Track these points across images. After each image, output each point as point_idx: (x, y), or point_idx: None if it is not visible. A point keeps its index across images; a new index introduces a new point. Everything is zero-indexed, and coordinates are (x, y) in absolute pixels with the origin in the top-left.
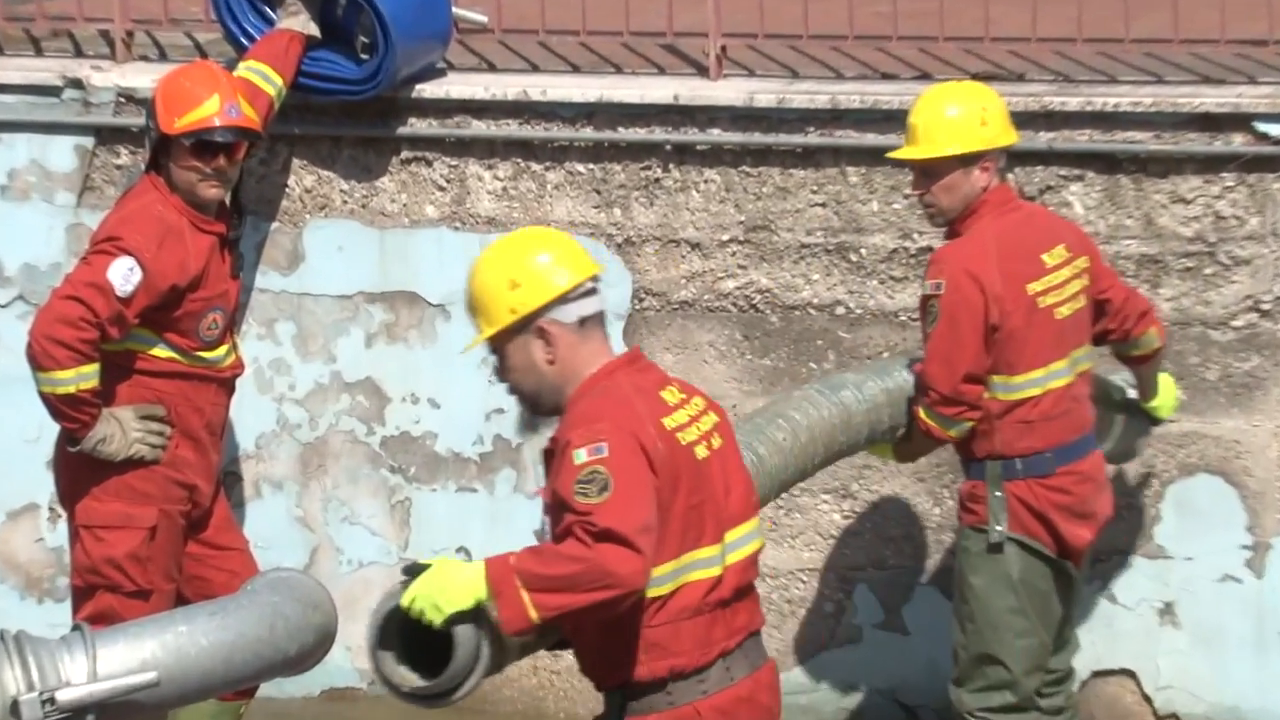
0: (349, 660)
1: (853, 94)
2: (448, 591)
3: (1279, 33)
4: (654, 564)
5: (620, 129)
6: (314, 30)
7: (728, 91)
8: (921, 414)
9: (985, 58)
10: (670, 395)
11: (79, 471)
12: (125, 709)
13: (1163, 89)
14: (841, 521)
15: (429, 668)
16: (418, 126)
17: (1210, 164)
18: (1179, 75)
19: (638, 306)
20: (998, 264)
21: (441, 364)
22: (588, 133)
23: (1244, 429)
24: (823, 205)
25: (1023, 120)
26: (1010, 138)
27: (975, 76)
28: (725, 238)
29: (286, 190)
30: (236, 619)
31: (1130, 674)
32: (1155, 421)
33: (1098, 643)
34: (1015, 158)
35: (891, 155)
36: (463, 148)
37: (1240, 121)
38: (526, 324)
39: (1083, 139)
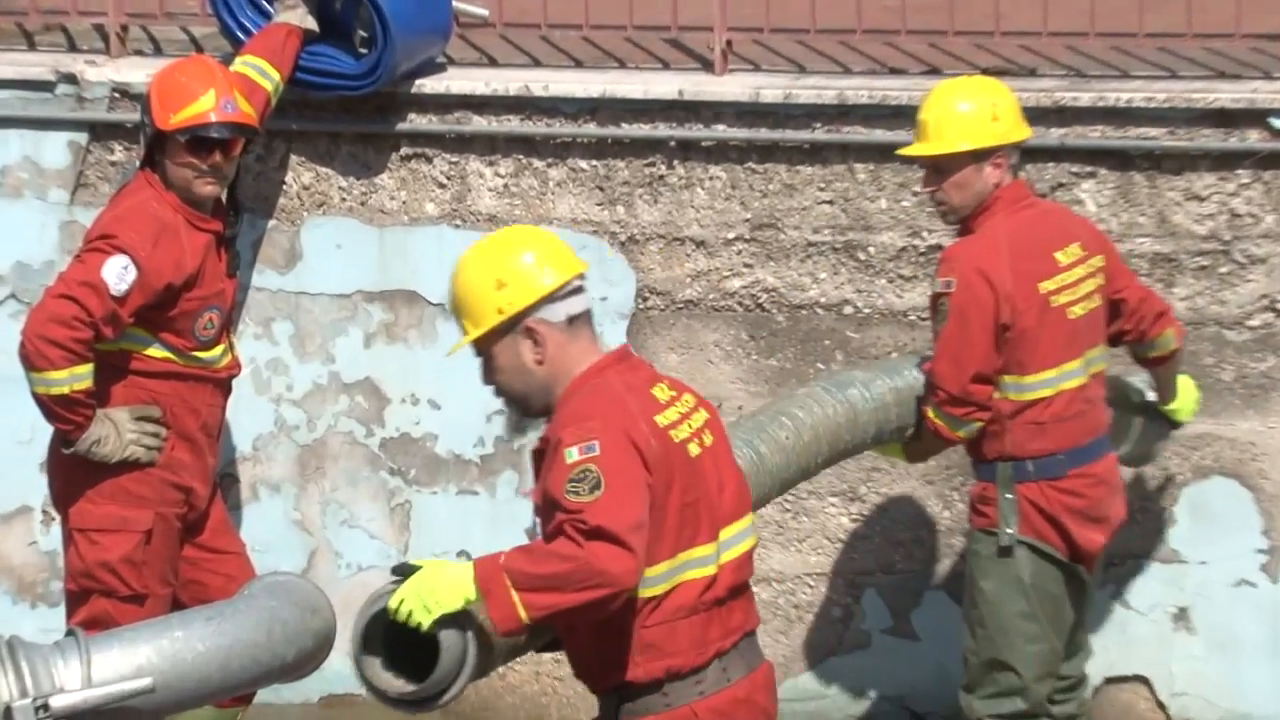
0: (348, 666)
1: (861, 89)
2: (436, 593)
3: None
4: (648, 563)
5: (624, 125)
6: (312, 24)
7: (733, 87)
8: (930, 414)
9: (996, 52)
10: (661, 392)
11: (73, 474)
12: (120, 716)
13: (1177, 84)
14: (849, 525)
15: (414, 672)
16: (417, 122)
17: (1225, 160)
18: (1193, 70)
19: (641, 306)
20: (1009, 262)
21: (442, 364)
22: (591, 129)
23: (1260, 431)
24: (830, 202)
25: (1034, 116)
26: (1023, 133)
27: (986, 71)
28: (731, 236)
29: (284, 187)
30: (233, 624)
31: (1144, 680)
32: (1174, 424)
33: (1111, 648)
34: (1026, 154)
35: (902, 152)
36: (463, 144)
37: (1256, 117)
38: (514, 324)
39: (1095, 135)
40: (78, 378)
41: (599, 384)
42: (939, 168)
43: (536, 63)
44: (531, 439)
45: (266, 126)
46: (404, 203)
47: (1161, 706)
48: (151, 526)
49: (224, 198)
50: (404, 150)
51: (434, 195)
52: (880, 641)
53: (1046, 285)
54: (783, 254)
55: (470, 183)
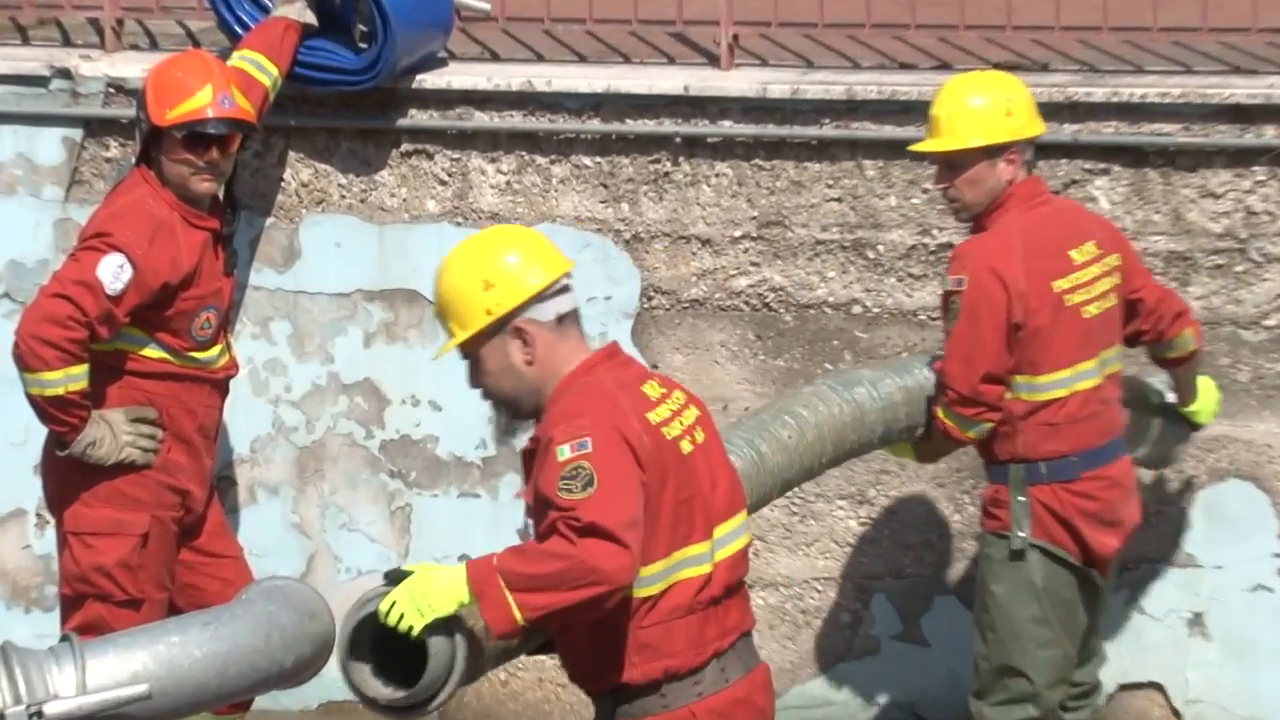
0: None
1: (870, 84)
2: (429, 597)
3: None
4: (644, 562)
5: (628, 121)
6: (310, 18)
7: (740, 82)
8: (940, 413)
9: (1007, 47)
10: (651, 389)
11: (68, 476)
12: None
13: (1192, 79)
14: (858, 528)
15: (402, 678)
16: (418, 118)
17: (1241, 157)
18: (1208, 65)
19: (646, 305)
20: (1022, 260)
21: (443, 365)
22: (594, 125)
23: (1276, 433)
24: (839, 200)
25: (1046, 112)
26: (1037, 128)
27: (997, 66)
28: (737, 233)
29: (282, 184)
30: (231, 629)
31: (1158, 687)
32: (1195, 426)
33: (1125, 655)
34: (1039, 150)
35: (914, 148)
36: (465, 140)
37: (1272, 113)
38: (503, 325)
39: (1108, 131)
40: (72, 378)
41: (589, 381)
42: (951, 164)
43: (539, 57)
44: (521, 440)
45: (264, 122)
46: (404, 200)
47: (1176, 714)
48: (147, 530)
49: (221, 195)
50: (404, 146)
51: (435, 192)
52: (890, 647)
53: (1060, 284)
54: (790, 252)
55: (472, 180)
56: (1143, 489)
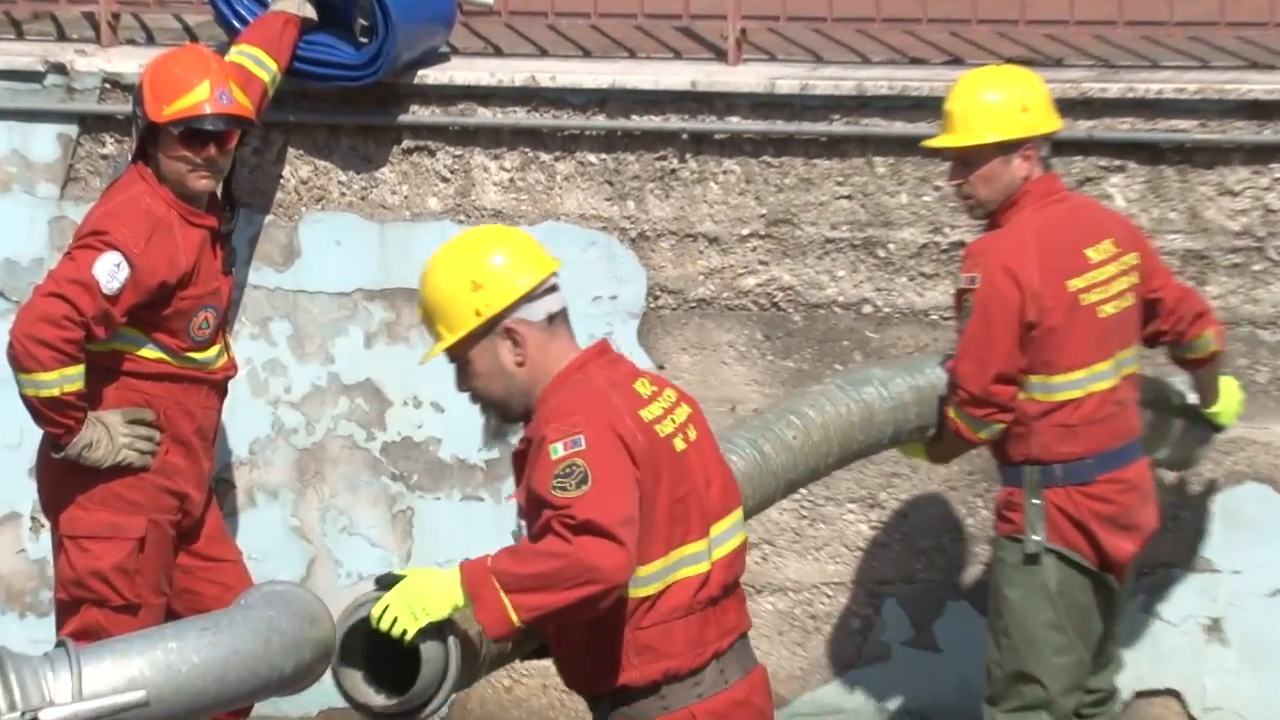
0: None
1: (880, 80)
2: (423, 600)
3: None
4: (641, 562)
5: (634, 117)
6: (310, 12)
7: (748, 77)
8: (951, 413)
9: (1021, 42)
10: (643, 387)
11: (63, 479)
12: None
13: (1208, 75)
14: (869, 532)
15: (395, 684)
16: (420, 114)
17: (1259, 154)
18: (1226, 60)
19: (652, 305)
20: (1037, 258)
21: (445, 365)
22: (600, 121)
23: None
24: (848, 197)
25: (1061, 108)
26: (1053, 124)
27: (1010, 61)
28: (745, 232)
29: (281, 181)
30: (229, 635)
31: (1175, 694)
32: (1217, 428)
33: (1141, 661)
34: (1053, 147)
35: (927, 144)
36: (467, 137)
37: None
38: (492, 326)
39: (1124, 128)
40: (68, 379)
41: (580, 379)
42: (965, 160)
43: (543, 52)
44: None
45: (263, 118)
46: (406, 198)
47: None
48: (145, 534)
49: (219, 192)
50: (406, 143)
51: (437, 190)
52: (901, 653)
53: (1076, 283)
54: (799, 251)
55: (475, 177)
56: (1159, 492)
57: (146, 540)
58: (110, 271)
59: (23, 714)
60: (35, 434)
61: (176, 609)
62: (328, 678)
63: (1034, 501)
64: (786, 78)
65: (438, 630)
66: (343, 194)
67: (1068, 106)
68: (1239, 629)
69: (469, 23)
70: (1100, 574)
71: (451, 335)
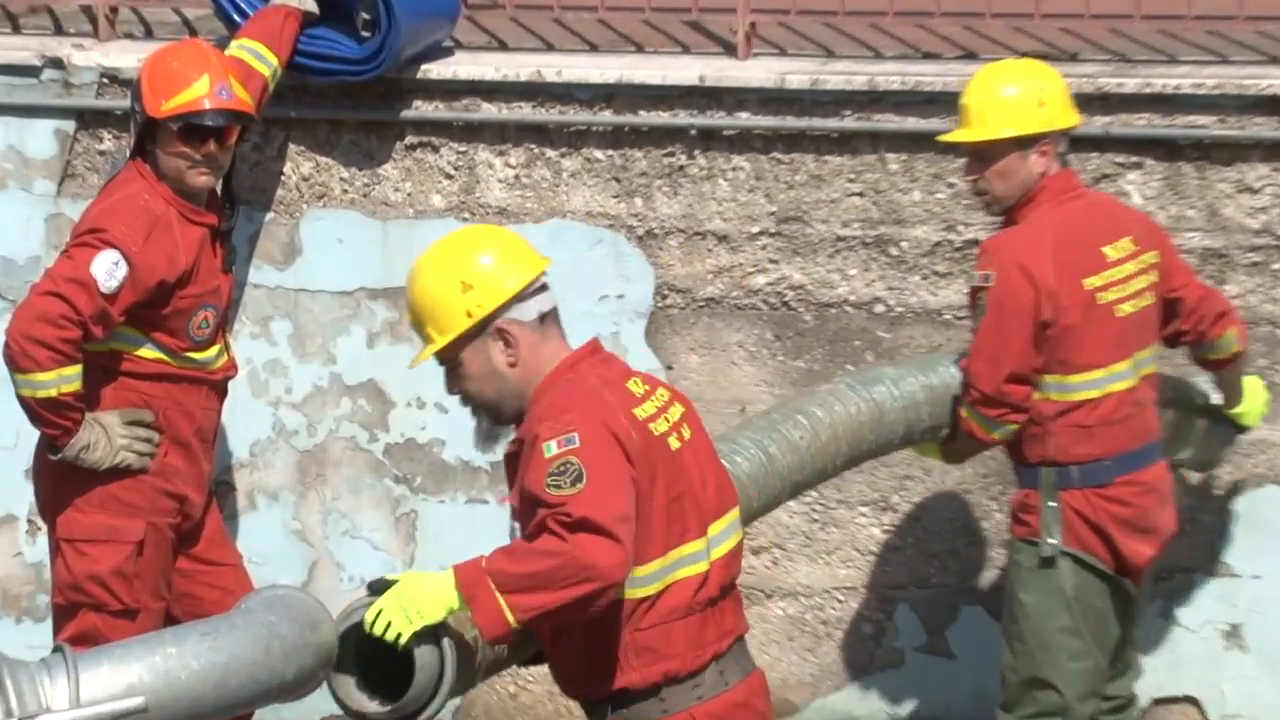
0: None
1: (892, 75)
2: (417, 603)
3: None
4: (639, 562)
5: (641, 112)
6: (311, 5)
7: (757, 72)
8: (964, 413)
9: (1036, 36)
10: (636, 386)
11: (60, 481)
12: None
13: (1227, 69)
14: (881, 536)
15: (389, 690)
16: (423, 109)
17: (1279, 150)
18: (1245, 55)
19: (660, 304)
20: (1052, 255)
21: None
22: (606, 116)
23: None
24: (860, 195)
25: (1077, 103)
26: (1070, 119)
27: (1025, 56)
28: (755, 230)
29: (282, 178)
30: (230, 640)
31: (1194, 701)
32: (1241, 429)
33: (1160, 668)
34: (1069, 144)
35: (943, 138)
36: (472, 132)
37: None
38: (484, 327)
39: (1141, 123)
40: (66, 379)
41: (572, 378)
42: (981, 155)
43: (549, 46)
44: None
45: (264, 114)
46: (409, 195)
47: None
48: (143, 537)
49: (219, 189)
50: (409, 139)
51: (441, 187)
52: (914, 660)
53: (1092, 281)
54: (810, 249)
55: (479, 173)
56: (1178, 495)
57: (145, 544)
58: (108, 270)
59: None
60: (32, 435)
61: (176, 614)
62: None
63: (1050, 504)
64: (797, 72)
65: (432, 635)
66: (345, 191)
67: (1084, 102)
68: (1259, 635)
69: (473, 16)
70: (1117, 578)
71: (442, 338)
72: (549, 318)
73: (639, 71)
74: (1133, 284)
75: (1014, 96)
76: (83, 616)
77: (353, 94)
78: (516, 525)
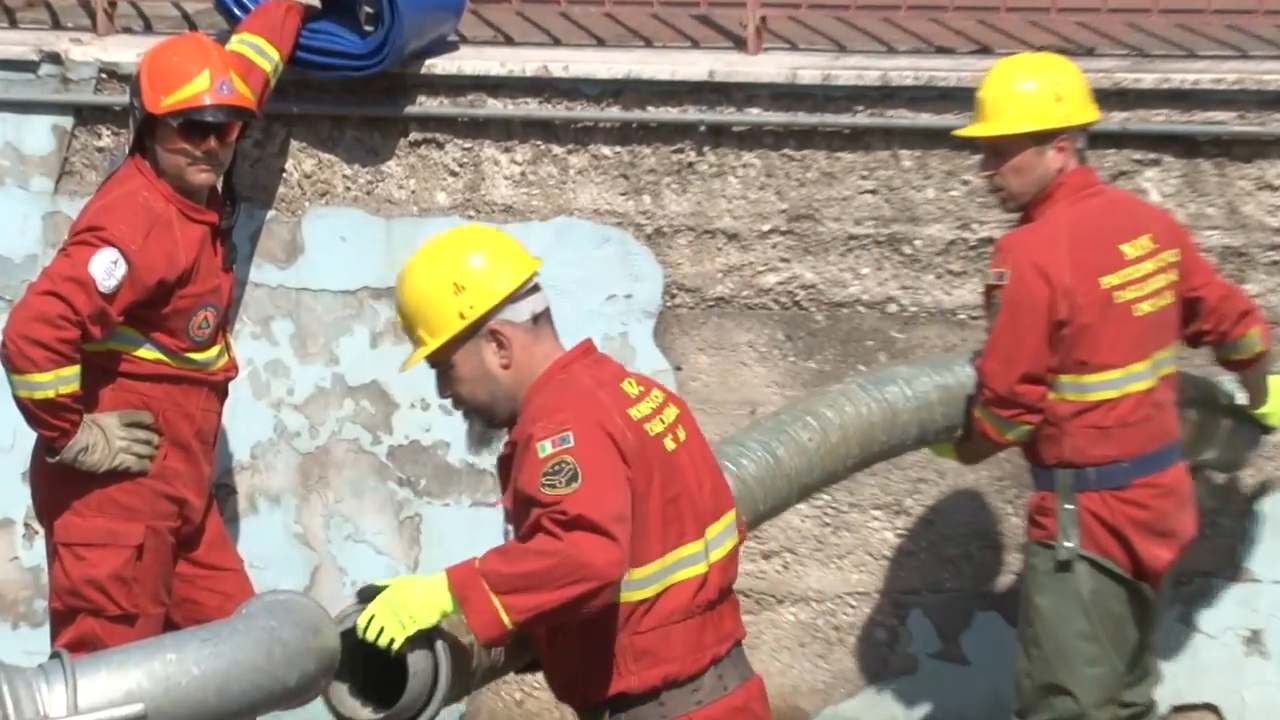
0: None
1: (906, 70)
2: (410, 607)
3: None
4: (637, 563)
5: (650, 108)
6: None
7: (768, 67)
8: (977, 413)
9: (1051, 30)
10: (630, 387)
11: (58, 484)
12: None
13: (1247, 64)
14: (894, 540)
15: (382, 698)
16: (428, 105)
17: None
18: (1265, 49)
19: (669, 303)
20: (1068, 254)
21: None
22: (614, 112)
23: None
24: (873, 192)
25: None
26: (1088, 115)
27: (1040, 50)
28: (766, 228)
29: (284, 175)
30: (231, 646)
31: (1214, 709)
32: (1266, 429)
33: (1179, 674)
34: (1088, 140)
35: (958, 133)
36: (477, 129)
37: None
38: (477, 329)
39: (1159, 120)
40: (63, 380)
41: (565, 379)
42: (997, 150)
43: (556, 41)
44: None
45: (265, 110)
46: (413, 192)
47: None
48: (142, 541)
49: (220, 187)
50: (413, 135)
51: (445, 184)
52: (928, 666)
53: (1109, 280)
54: (822, 247)
55: (484, 170)
56: (1202, 498)
57: (144, 548)
58: (107, 269)
59: None
60: (29, 437)
61: (175, 619)
62: None
63: (1067, 506)
64: (808, 67)
65: (426, 640)
66: (347, 188)
67: (1101, 97)
68: None
69: (479, 10)
70: (1135, 582)
71: (434, 340)
72: (542, 318)
73: (647, 67)
74: (1151, 283)
75: (1031, 91)
76: (81, 622)
77: (356, 89)
78: (510, 529)
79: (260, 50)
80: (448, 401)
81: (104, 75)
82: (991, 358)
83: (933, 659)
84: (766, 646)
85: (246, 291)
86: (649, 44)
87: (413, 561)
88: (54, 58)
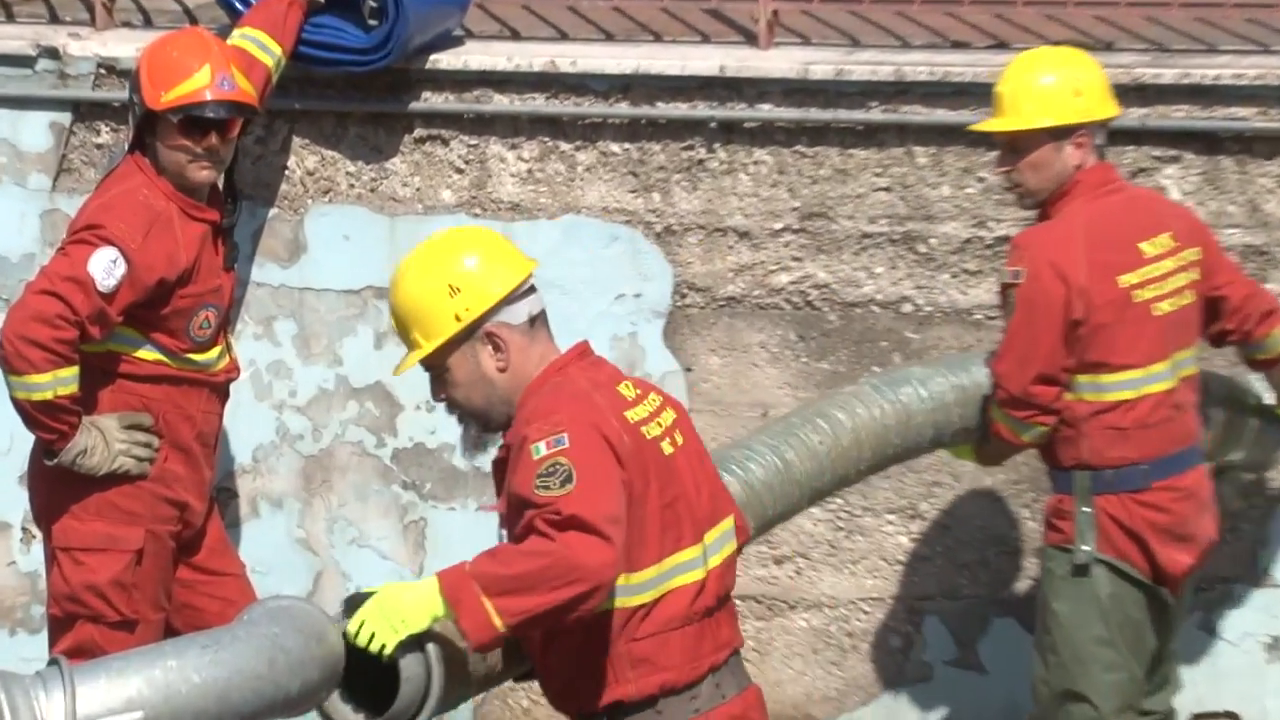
0: None
1: (920, 65)
2: (400, 612)
3: None
4: (634, 568)
5: (659, 104)
6: None
7: (780, 62)
8: (992, 414)
9: (1069, 24)
10: (627, 390)
11: (56, 487)
12: None
13: (1269, 59)
14: (909, 545)
15: (373, 705)
16: (433, 101)
17: None
18: None
19: (679, 303)
20: (1085, 252)
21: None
22: (623, 108)
23: None
24: (887, 190)
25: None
26: (1108, 110)
27: (1058, 45)
28: (778, 226)
29: (286, 173)
30: (232, 653)
31: (1234, 717)
32: None
33: (1199, 681)
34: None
35: (975, 127)
36: (483, 125)
37: None
38: (473, 331)
39: (1179, 116)
40: (62, 381)
41: (561, 381)
42: (1015, 146)
43: (563, 36)
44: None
45: (267, 106)
46: (418, 190)
47: None
48: (142, 546)
49: (221, 184)
50: (418, 132)
51: (451, 181)
52: (943, 673)
53: (1128, 279)
54: (835, 246)
55: (490, 167)
56: (1228, 501)
57: (144, 552)
58: (106, 268)
59: None
60: (26, 440)
61: (176, 625)
62: None
63: (1084, 509)
64: (821, 62)
65: (419, 645)
66: (351, 186)
67: (1120, 93)
68: None
69: (484, 4)
70: (1154, 587)
71: (430, 343)
72: (538, 320)
73: (657, 61)
74: (1171, 281)
75: (1050, 85)
76: (79, 628)
77: (359, 85)
78: (504, 533)
79: (262, 45)
80: (443, 407)
81: (103, 70)
82: (1006, 358)
83: (948, 666)
84: (778, 653)
85: (248, 291)
86: (658, 38)
87: (418, 567)
88: (52, 52)
